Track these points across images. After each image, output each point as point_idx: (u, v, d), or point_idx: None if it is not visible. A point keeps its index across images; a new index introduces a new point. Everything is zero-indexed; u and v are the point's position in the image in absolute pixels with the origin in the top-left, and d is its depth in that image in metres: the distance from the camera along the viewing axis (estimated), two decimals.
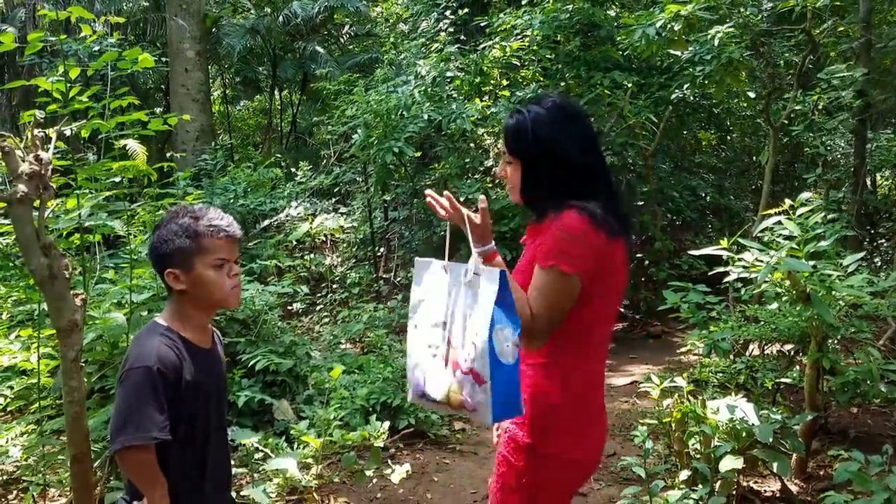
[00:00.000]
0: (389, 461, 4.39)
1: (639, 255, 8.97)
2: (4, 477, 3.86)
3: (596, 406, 2.11)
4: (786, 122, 7.09)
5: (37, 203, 2.36)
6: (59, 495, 3.83)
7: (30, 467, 3.81)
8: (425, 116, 7.57)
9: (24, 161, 2.35)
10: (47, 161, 2.37)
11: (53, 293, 2.36)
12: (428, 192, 2.11)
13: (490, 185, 7.92)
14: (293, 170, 10.54)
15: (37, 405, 3.96)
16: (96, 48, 5.38)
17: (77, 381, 2.42)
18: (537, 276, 1.94)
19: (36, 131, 2.46)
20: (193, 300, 1.96)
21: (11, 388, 4.30)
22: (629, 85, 7.78)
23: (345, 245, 10.79)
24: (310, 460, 3.54)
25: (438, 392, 1.89)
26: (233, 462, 3.16)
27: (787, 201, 3.77)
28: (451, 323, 1.89)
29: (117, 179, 4.03)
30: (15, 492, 3.89)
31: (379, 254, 10.11)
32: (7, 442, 3.93)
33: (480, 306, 1.82)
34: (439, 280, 1.97)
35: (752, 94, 7.55)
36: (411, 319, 2.03)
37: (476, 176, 8.14)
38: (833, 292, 3.67)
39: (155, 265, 1.97)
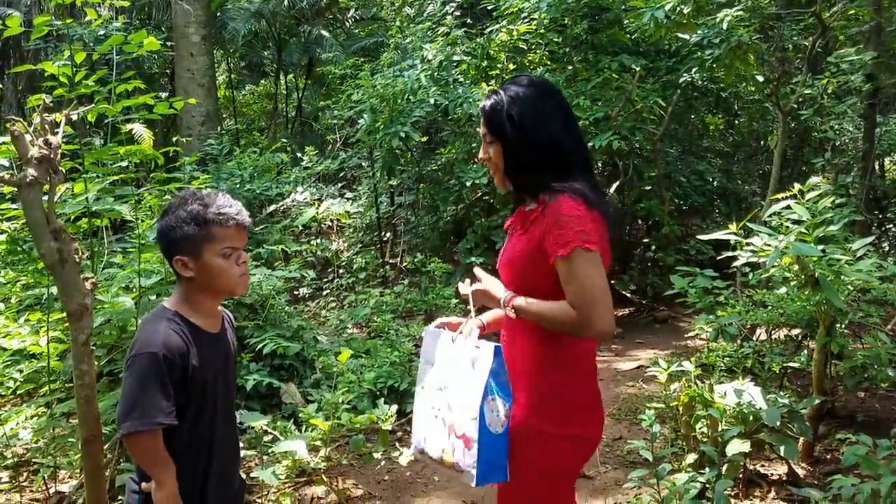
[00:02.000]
0: (397, 444, 4.41)
1: (645, 241, 8.96)
2: (15, 459, 3.89)
3: (596, 381, 2.16)
4: (795, 106, 7.04)
5: (46, 187, 2.36)
6: (70, 477, 3.87)
7: (40, 450, 3.84)
8: (431, 101, 7.54)
9: (33, 145, 2.35)
10: (56, 145, 2.37)
11: (63, 277, 2.36)
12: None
13: None
14: (299, 155, 10.52)
15: (46, 388, 3.99)
16: (101, 32, 5.37)
17: (87, 365, 2.43)
18: (564, 268, 1.92)
19: (45, 115, 2.46)
20: (201, 287, 1.96)
21: (21, 371, 4.33)
22: (637, 69, 7.73)
23: (351, 230, 10.78)
24: (318, 443, 3.56)
25: (435, 452, 2.05)
26: (242, 444, 3.17)
27: (797, 186, 3.76)
28: (452, 389, 2.03)
29: (124, 164, 4.03)
30: (25, 474, 3.93)
31: (385, 239, 10.10)
32: (17, 425, 3.95)
33: (476, 377, 1.97)
34: (447, 347, 2.12)
35: (760, 78, 7.49)
36: (419, 382, 2.18)
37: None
38: (842, 277, 3.66)
39: (163, 251, 1.97)
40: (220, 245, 1.93)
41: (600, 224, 1.99)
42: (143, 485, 1.90)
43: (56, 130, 2.52)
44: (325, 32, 13.98)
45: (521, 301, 2.01)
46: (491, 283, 2.13)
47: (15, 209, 4.75)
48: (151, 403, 1.80)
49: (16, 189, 2.34)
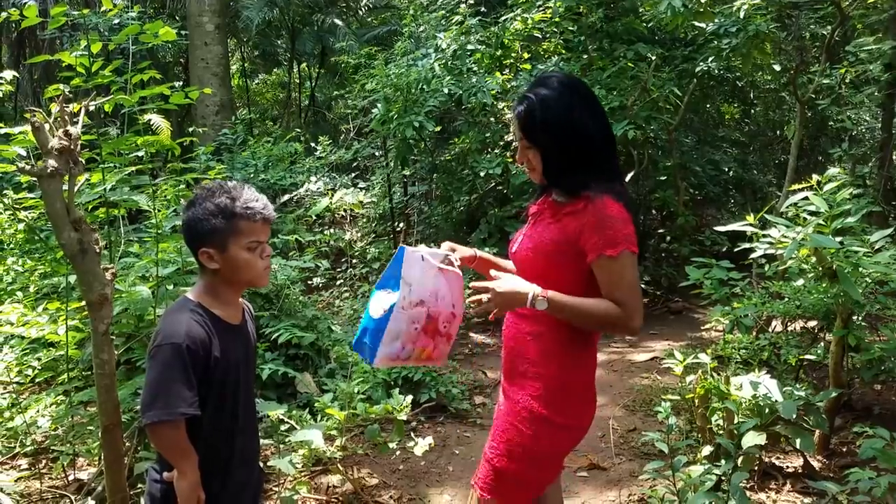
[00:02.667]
0: (412, 434, 4.43)
1: (660, 231, 8.91)
2: (34, 447, 3.94)
3: (594, 375, 2.26)
4: (812, 95, 6.97)
5: (66, 178, 2.37)
6: (88, 464, 3.91)
7: (59, 437, 3.89)
8: (445, 90, 7.51)
9: (53, 136, 2.37)
10: (76, 136, 2.39)
11: (84, 267, 2.38)
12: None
13: (511, 160, 7.87)
14: (312, 144, 10.53)
15: (64, 377, 4.03)
16: (116, 22, 5.38)
17: (107, 354, 2.46)
18: (611, 266, 2.01)
19: (64, 106, 2.47)
20: (225, 279, 1.98)
21: (39, 359, 4.38)
22: (653, 58, 7.67)
23: (364, 220, 10.79)
24: (334, 432, 3.58)
25: (412, 353, 2.22)
26: (259, 434, 3.19)
27: (815, 176, 3.73)
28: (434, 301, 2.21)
29: (141, 154, 4.05)
30: (44, 461, 3.97)
31: (398, 229, 10.10)
32: (37, 413, 4.00)
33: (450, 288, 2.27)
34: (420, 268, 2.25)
35: (777, 68, 7.41)
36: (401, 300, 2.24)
37: (496, 150, 8.09)
38: (859, 269, 3.64)
39: (189, 243, 1.98)
40: (247, 239, 1.94)
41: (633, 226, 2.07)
42: (166, 474, 1.92)
43: (76, 121, 2.53)
44: (338, 21, 13.95)
45: (555, 293, 2.04)
46: (512, 281, 2.13)
47: (32, 199, 4.80)
48: (175, 394, 1.82)
49: (35, 179, 2.36)
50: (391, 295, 2.18)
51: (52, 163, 2.31)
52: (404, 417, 3.63)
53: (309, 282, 8.29)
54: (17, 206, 5.09)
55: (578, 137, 2.08)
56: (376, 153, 10.51)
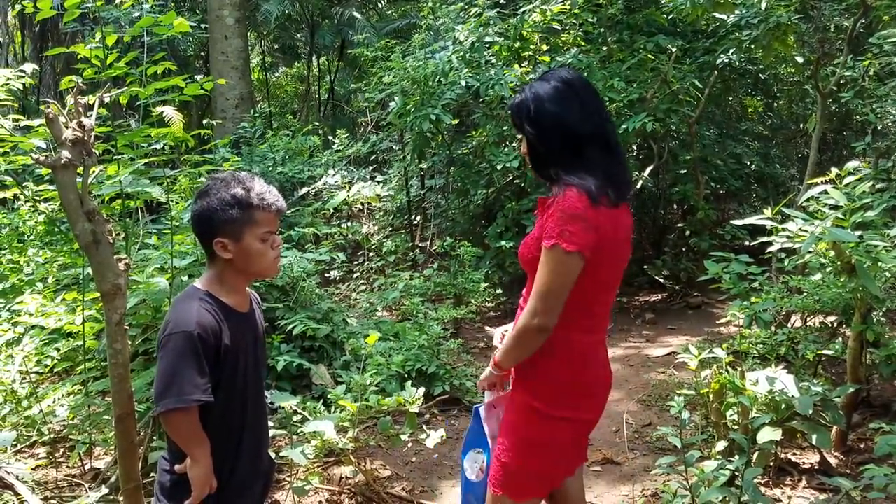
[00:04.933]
0: (424, 426, 4.44)
1: (679, 225, 8.82)
2: (52, 436, 3.99)
3: (597, 368, 2.26)
4: (835, 88, 6.85)
5: (80, 169, 2.39)
6: (105, 453, 3.96)
7: (76, 426, 3.94)
8: (463, 83, 7.48)
9: (67, 127, 2.38)
10: (90, 127, 2.40)
11: (97, 258, 2.40)
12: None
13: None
14: (330, 138, 10.55)
15: (82, 367, 4.08)
16: (136, 14, 5.41)
17: (121, 344, 2.47)
18: (542, 256, 2.04)
19: (79, 98, 2.49)
20: (238, 268, 2.00)
21: (58, 349, 4.44)
22: (673, 49, 7.58)
23: (381, 213, 10.80)
24: (346, 424, 3.59)
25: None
26: (272, 424, 3.21)
27: (834, 170, 3.67)
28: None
29: (158, 146, 4.08)
30: (62, 450, 4.03)
31: (415, 222, 10.10)
32: (54, 402, 4.05)
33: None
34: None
35: (800, 60, 7.29)
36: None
37: (514, 143, 8.05)
38: (879, 263, 3.58)
39: (202, 233, 1.99)
40: (261, 229, 1.97)
41: (605, 217, 2.05)
42: (177, 467, 1.93)
43: (90, 113, 2.55)
44: (357, 14, 13.96)
45: (497, 352, 2.25)
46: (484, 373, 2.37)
47: (53, 191, 4.86)
48: (188, 381, 1.84)
49: (51, 171, 2.38)
50: (482, 455, 2.38)
51: (65, 154, 2.32)
52: (416, 410, 3.63)
53: (326, 275, 8.34)
54: (38, 198, 5.15)
55: (563, 134, 2.11)
56: (394, 146, 10.51)
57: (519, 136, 2.24)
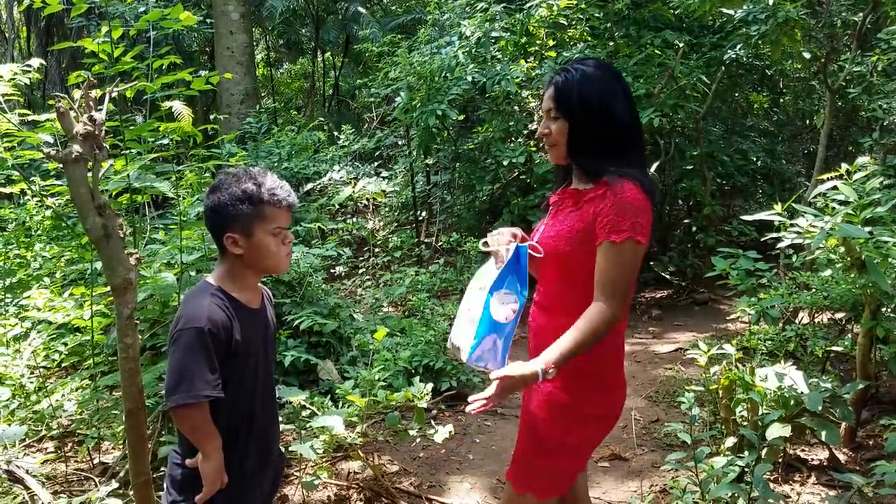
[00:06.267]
0: (432, 422, 4.44)
1: (686, 221, 8.80)
2: (60, 430, 4.00)
3: (622, 362, 2.27)
4: (843, 84, 6.83)
5: (90, 163, 2.38)
6: (113, 448, 3.96)
7: (84, 421, 3.94)
8: (469, 78, 7.47)
9: (78, 121, 2.38)
10: (100, 122, 2.39)
11: (108, 252, 2.39)
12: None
13: (534, 149, 7.82)
14: (335, 133, 10.54)
15: (90, 361, 4.08)
16: (142, 9, 5.41)
17: (132, 339, 2.47)
18: (611, 252, 1.97)
19: (89, 92, 2.48)
20: (248, 264, 1.99)
21: (65, 344, 4.44)
22: (680, 45, 7.55)
23: (386, 209, 10.80)
24: (355, 419, 3.59)
25: (457, 340, 2.18)
26: (280, 419, 3.21)
27: (844, 166, 3.65)
28: (483, 286, 2.15)
29: (165, 141, 4.07)
30: (70, 444, 4.03)
31: (421, 218, 10.10)
32: (62, 397, 4.06)
33: (494, 271, 2.15)
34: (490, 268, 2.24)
35: (807, 55, 7.26)
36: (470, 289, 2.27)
37: (520, 139, 8.04)
38: (889, 259, 3.56)
39: (213, 228, 1.98)
40: (272, 224, 1.96)
41: (651, 215, 2.03)
42: (188, 461, 1.93)
43: (100, 107, 2.54)
44: (362, 9, 13.94)
45: (552, 353, 1.96)
46: (515, 367, 2.01)
47: (59, 185, 4.86)
48: (198, 377, 1.83)
49: (61, 165, 2.38)
50: (513, 296, 2.11)
51: (76, 148, 2.32)
52: (425, 405, 3.63)
53: (331, 270, 8.34)
54: (45, 193, 5.16)
55: (611, 120, 2.05)
56: (399, 142, 10.51)
57: (553, 117, 2.11)
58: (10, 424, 3.74)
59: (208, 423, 1.88)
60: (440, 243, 9.13)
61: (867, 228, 3.41)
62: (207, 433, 1.89)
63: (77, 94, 2.73)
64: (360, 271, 8.46)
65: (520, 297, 2.13)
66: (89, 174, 2.37)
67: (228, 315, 1.92)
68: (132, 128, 3.86)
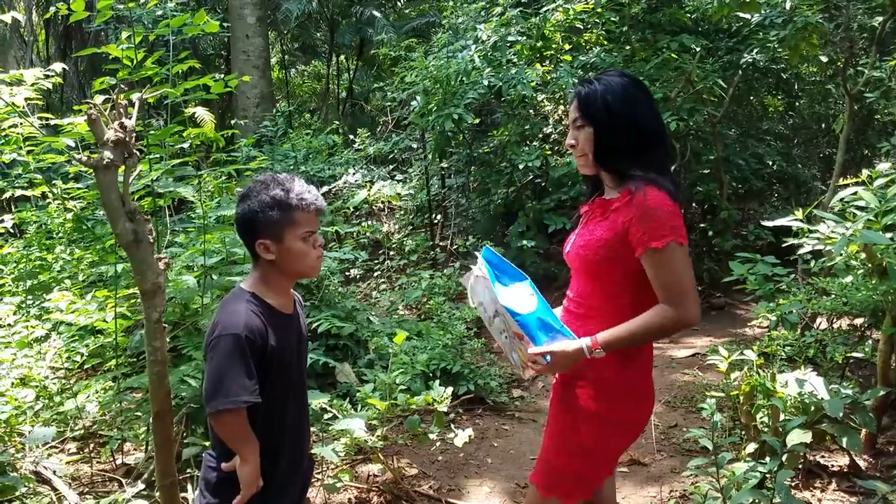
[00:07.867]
0: (451, 426, 4.45)
1: (702, 225, 8.78)
2: (83, 431, 4.04)
3: (651, 370, 2.25)
4: (862, 88, 6.80)
5: (121, 169, 2.42)
6: (135, 449, 4.00)
7: (107, 422, 3.98)
8: (485, 82, 7.48)
9: (108, 128, 2.41)
10: (131, 128, 2.43)
11: (138, 256, 2.43)
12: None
13: (549, 153, 7.82)
14: (351, 136, 10.58)
15: (112, 363, 4.12)
16: (159, 13, 5.46)
17: (160, 342, 2.50)
18: (656, 258, 1.98)
19: (118, 99, 2.52)
20: (280, 269, 2.01)
21: (87, 346, 4.48)
22: (697, 49, 7.54)
23: (402, 212, 10.82)
24: (374, 422, 3.61)
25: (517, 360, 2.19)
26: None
27: (864, 171, 3.65)
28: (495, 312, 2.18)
29: (186, 145, 4.11)
30: (92, 445, 4.07)
31: (435, 221, 10.11)
32: (85, 398, 4.09)
33: (488, 289, 2.18)
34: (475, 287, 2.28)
35: (824, 59, 7.23)
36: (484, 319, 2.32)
37: (535, 143, 8.05)
38: None
39: (244, 235, 2.01)
40: (302, 229, 1.98)
41: (682, 217, 2.04)
42: (225, 465, 1.96)
43: (130, 114, 2.58)
44: (376, 13, 13.96)
45: (605, 335, 2.02)
46: (563, 342, 2.08)
47: (80, 189, 4.91)
48: (236, 383, 1.86)
49: (84, 170, 2.41)
50: (517, 286, 2.23)
51: (107, 154, 2.35)
52: (445, 409, 3.65)
53: (347, 273, 8.36)
54: (66, 196, 5.21)
55: (635, 125, 2.08)
56: (414, 145, 10.53)
57: (578, 125, 2.15)
58: (33, 426, 3.78)
59: (246, 428, 1.91)
60: (455, 247, 9.14)
61: (888, 234, 3.40)
62: (245, 438, 1.91)
63: (98, 99, 2.77)
64: (376, 274, 8.49)
65: (521, 279, 2.24)
66: (120, 180, 2.41)
67: (263, 321, 1.95)
68: (154, 132, 3.90)
